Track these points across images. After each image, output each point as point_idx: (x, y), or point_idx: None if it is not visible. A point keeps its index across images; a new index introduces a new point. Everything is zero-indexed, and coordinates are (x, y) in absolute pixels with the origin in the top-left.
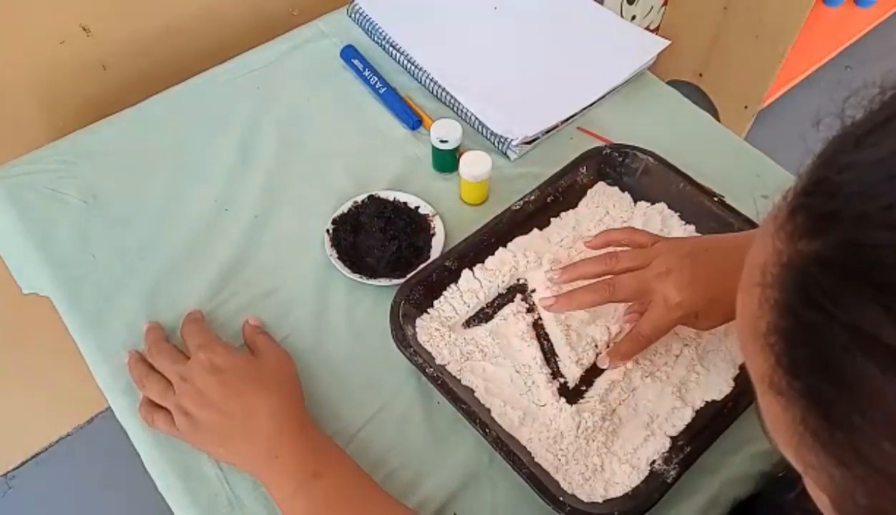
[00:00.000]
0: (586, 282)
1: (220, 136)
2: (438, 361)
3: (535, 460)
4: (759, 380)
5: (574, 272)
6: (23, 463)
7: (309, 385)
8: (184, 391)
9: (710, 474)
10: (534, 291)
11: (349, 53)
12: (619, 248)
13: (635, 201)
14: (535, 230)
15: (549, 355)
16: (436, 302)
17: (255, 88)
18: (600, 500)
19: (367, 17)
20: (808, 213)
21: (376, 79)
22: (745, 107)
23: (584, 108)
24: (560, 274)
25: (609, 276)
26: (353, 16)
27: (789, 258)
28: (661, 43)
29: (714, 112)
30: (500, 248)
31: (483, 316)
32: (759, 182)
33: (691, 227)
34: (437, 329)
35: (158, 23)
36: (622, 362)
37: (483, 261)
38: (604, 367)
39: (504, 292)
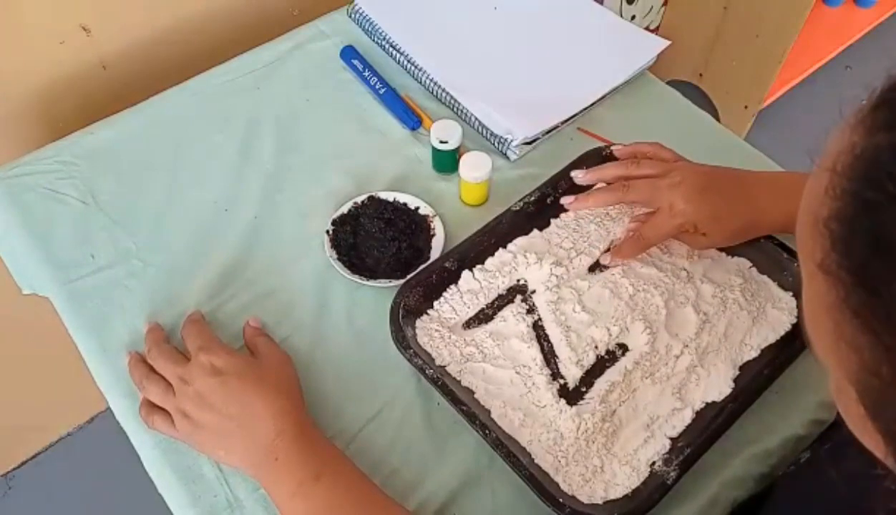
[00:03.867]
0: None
1: (220, 136)
2: (438, 362)
3: (535, 461)
4: (810, 261)
5: (597, 174)
6: (23, 463)
7: (309, 386)
8: (184, 393)
9: (709, 475)
10: (534, 292)
11: (349, 53)
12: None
13: None
14: (536, 231)
15: (550, 356)
16: (436, 303)
17: (255, 88)
18: (600, 501)
19: (367, 17)
20: (891, 108)
21: (376, 79)
22: (745, 107)
23: (584, 109)
24: (584, 175)
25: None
26: (353, 16)
27: (863, 150)
28: (661, 43)
29: (714, 112)
30: (500, 249)
31: (483, 317)
32: None
33: None
34: (437, 330)
35: (158, 23)
36: (622, 261)
37: (483, 262)
38: (605, 264)
39: (504, 293)
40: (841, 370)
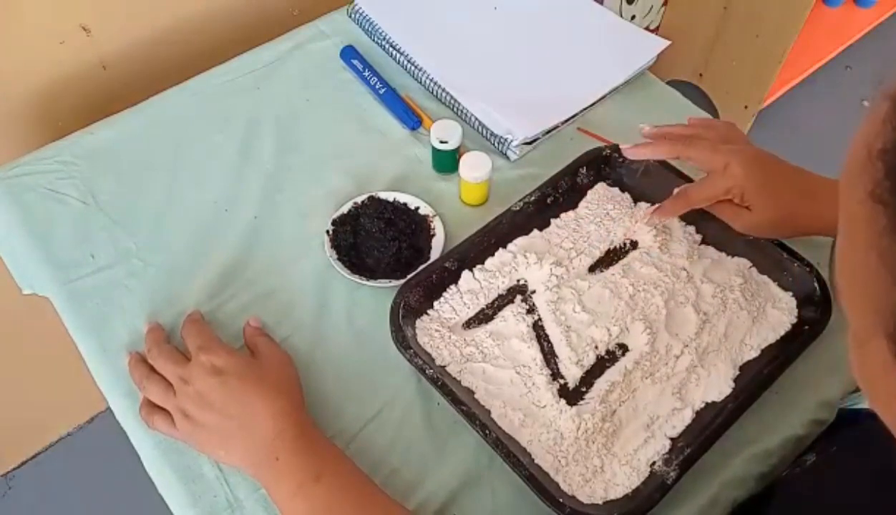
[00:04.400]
0: None
1: (219, 136)
2: (438, 362)
3: (535, 461)
4: (859, 192)
5: (664, 129)
6: (23, 463)
7: (309, 386)
8: (184, 393)
9: (709, 475)
10: (534, 292)
11: (349, 54)
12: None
13: (635, 202)
14: (536, 231)
15: (549, 356)
16: (436, 303)
17: (255, 88)
18: (600, 501)
19: (367, 18)
20: None
21: (376, 79)
22: (745, 107)
23: (585, 109)
24: (649, 129)
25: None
26: (353, 16)
27: None
28: (661, 43)
29: (714, 112)
30: (500, 249)
31: (483, 317)
32: None
33: (691, 228)
34: (437, 330)
35: (158, 23)
36: (664, 218)
37: (483, 262)
38: (645, 223)
39: (504, 293)
40: (875, 316)
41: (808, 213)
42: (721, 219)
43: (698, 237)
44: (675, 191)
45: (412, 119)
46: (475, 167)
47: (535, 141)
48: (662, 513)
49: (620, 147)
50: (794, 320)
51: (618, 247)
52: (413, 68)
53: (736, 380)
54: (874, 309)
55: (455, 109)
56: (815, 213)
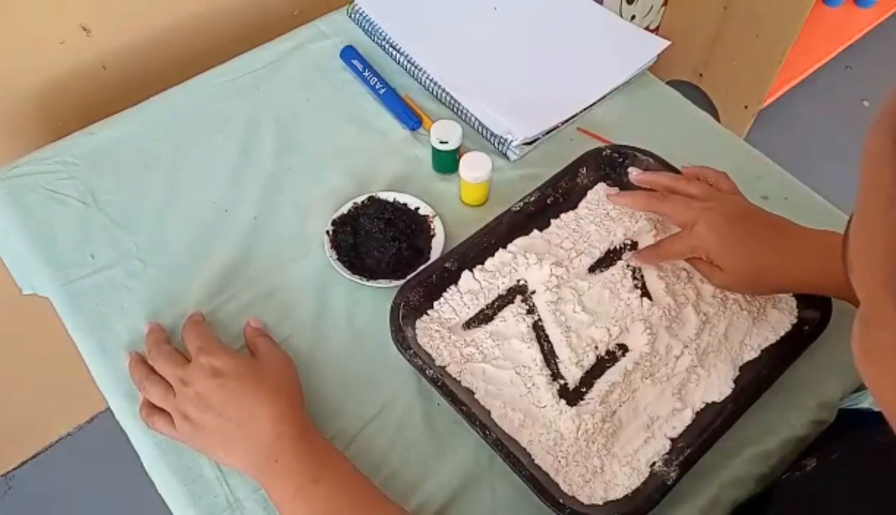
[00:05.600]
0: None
1: (220, 137)
2: (438, 363)
3: (535, 462)
4: (887, 142)
5: (650, 178)
6: (23, 463)
7: (309, 386)
8: (184, 394)
9: (710, 476)
10: (534, 292)
11: (349, 54)
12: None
13: None
14: (536, 231)
15: (550, 357)
16: (436, 304)
17: (255, 88)
18: (600, 502)
19: (367, 18)
20: None
21: (376, 79)
22: (745, 107)
23: (585, 109)
24: (638, 175)
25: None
26: (353, 16)
27: None
28: (661, 43)
29: (714, 112)
30: (500, 249)
31: (483, 317)
32: (759, 182)
33: None
34: (437, 330)
35: (158, 23)
36: (641, 263)
37: (483, 263)
38: (627, 261)
39: (504, 293)
40: (887, 286)
41: (778, 273)
42: None
43: None
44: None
45: (412, 119)
46: (475, 167)
47: (535, 141)
48: (662, 514)
49: (606, 193)
50: (795, 320)
51: (618, 247)
52: (413, 68)
53: (736, 381)
54: (888, 275)
55: (455, 109)
56: (786, 273)
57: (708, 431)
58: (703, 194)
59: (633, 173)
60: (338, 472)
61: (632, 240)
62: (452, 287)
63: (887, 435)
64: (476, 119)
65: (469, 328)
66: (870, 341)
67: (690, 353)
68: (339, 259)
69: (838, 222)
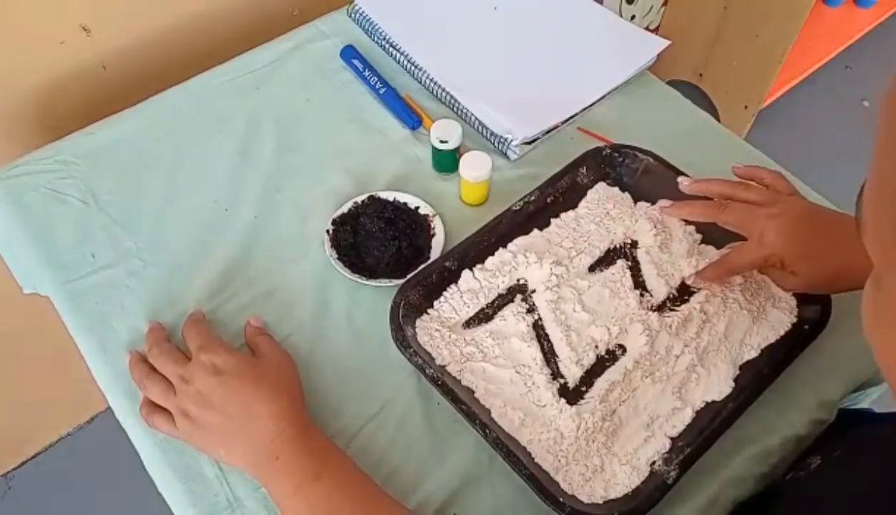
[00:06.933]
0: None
1: (220, 136)
2: (438, 362)
3: (536, 461)
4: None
5: (703, 185)
6: (23, 463)
7: (309, 385)
8: (185, 392)
9: (710, 475)
10: (534, 291)
11: (349, 53)
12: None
13: (636, 201)
14: (536, 230)
15: (550, 356)
16: (436, 303)
17: (255, 88)
18: (600, 501)
19: (367, 17)
20: None
21: (376, 79)
22: (745, 107)
23: (585, 109)
24: (689, 184)
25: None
26: (353, 16)
27: None
28: (661, 43)
29: (714, 112)
30: (500, 249)
31: (483, 316)
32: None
33: (691, 228)
34: (437, 329)
35: (158, 23)
36: (705, 283)
37: (483, 262)
38: (689, 283)
39: (504, 292)
40: None
41: (853, 272)
42: None
43: (698, 237)
44: (723, 251)
45: (412, 119)
46: (475, 167)
47: (535, 141)
48: (662, 513)
49: (659, 203)
50: (795, 320)
51: (618, 246)
52: (413, 68)
53: (736, 380)
54: None
55: (455, 109)
56: (860, 272)
57: (708, 430)
58: (762, 199)
59: (684, 182)
60: (338, 470)
61: (632, 239)
62: (452, 286)
63: (888, 430)
64: (476, 118)
65: (469, 327)
66: (881, 298)
67: (690, 352)
68: (339, 258)
69: None
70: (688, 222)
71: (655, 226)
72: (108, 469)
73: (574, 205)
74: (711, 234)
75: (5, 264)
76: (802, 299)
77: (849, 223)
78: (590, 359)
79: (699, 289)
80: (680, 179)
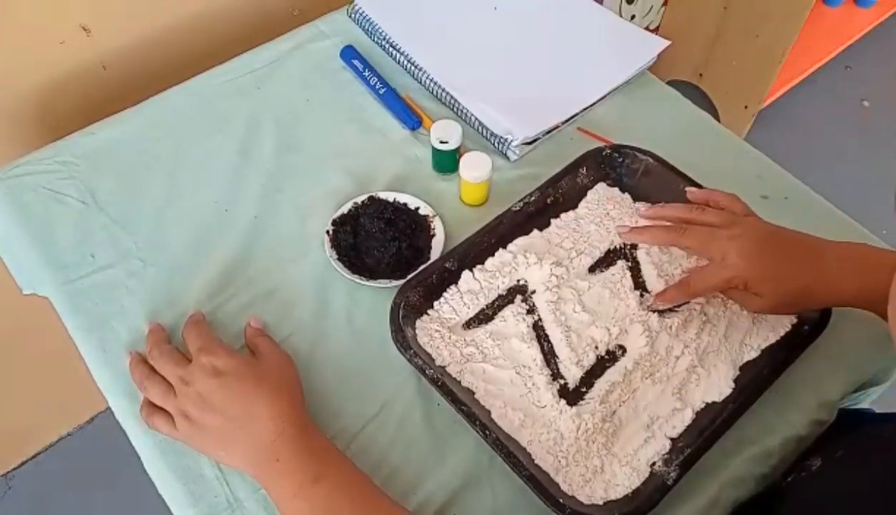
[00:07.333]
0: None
1: (220, 136)
2: (438, 362)
3: (536, 462)
4: None
5: (660, 211)
6: (23, 463)
7: (309, 386)
8: (185, 394)
9: (710, 476)
10: (534, 292)
11: (349, 54)
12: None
13: (635, 202)
14: (536, 231)
15: (550, 356)
16: (436, 304)
17: (255, 88)
18: (600, 502)
19: (367, 18)
20: None
21: (376, 79)
22: (745, 107)
23: (585, 109)
24: (645, 211)
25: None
26: (353, 16)
27: None
28: (661, 43)
29: (714, 112)
30: (501, 249)
31: (483, 317)
32: (759, 182)
33: None
34: (437, 330)
35: (158, 23)
36: (664, 304)
37: (483, 262)
38: (648, 305)
39: (504, 293)
40: None
41: (835, 288)
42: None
43: None
44: (684, 272)
45: (412, 119)
46: (475, 167)
47: (535, 141)
48: (663, 514)
49: (616, 227)
50: (795, 320)
51: (618, 247)
52: (413, 68)
53: (736, 381)
54: None
55: (455, 109)
56: (823, 290)
57: (708, 431)
58: (721, 221)
59: (641, 209)
60: (338, 471)
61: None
62: (452, 287)
63: (890, 430)
64: (476, 119)
65: (469, 328)
66: None
67: (690, 353)
68: (339, 258)
69: (839, 222)
70: None
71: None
72: (108, 469)
73: (574, 206)
74: None
75: (5, 264)
76: None
77: (816, 244)
78: (590, 360)
79: None
80: (637, 205)
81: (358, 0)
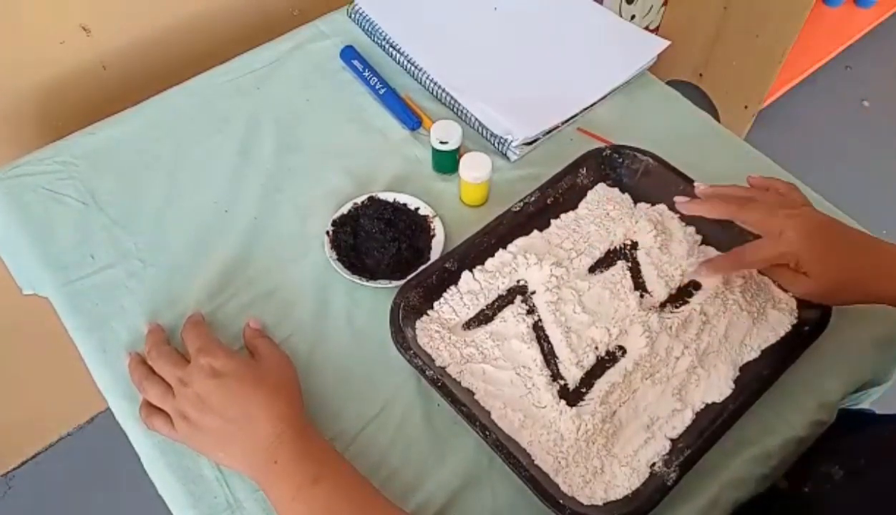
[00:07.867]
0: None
1: (220, 137)
2: (438, 363)
3: (535, 462)
4: None
5: (720, 190)
6: (23, 463)
7: (309, 387)
8: (184, 395)
9: (710, 476)
10: (534, 293)
11: (349, 54)
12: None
13: (635, 202)
14: (536, 231)
15: (550, 357)
16: (436, 304)
17: (255, 88)
18: (600, 503)
19: (367, 18)
20: None
21: (376, 79)
22: (745, 107)
23: (585, 109)
24: (704, 189)
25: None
26: (353, 16)
27: None
28: (661, 43)
29: (714, 112)
30: (500, 250)
31: (483, 317)
32: None
33: (691, 228)
34: (436, 331)
35: (158, 23)
36: (714, 273)
37: (483, 263)
38: (696, 278)
39: (504, 294)
40: None
41: (862, 285)
42: (721, 220)
43: (698, 237)
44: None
45: (412, 119)
46: (475, 167)
47: (535, 141)
48: (662, 514)
49: (675, 200)
50: (795, 321)
51: (618, 247)
52: (413, 68)
53: (736, 381)
54: None
55: (455, 109)
56: (868, 286)
57: (708, 431)
58: (780, 204)
59: (701, 187)
60: (337, 473)
61: (632, 240)
62: (452, 287)
63: (889, 431)
64: (476, 119)
65: (469, 328)
66: None
67: (690, 354)
68: (339, 259)
69: None
70: (688, 223)
71: (655, 227)
72: (108, 470)
73: (574, 206)
74: (711, 235)
75: (5, 264)
76: (803, 300)
77: (868, 240)
78: (590, 361)
79: (699, 290)
80: (696, 184)
81: (358, 0)
